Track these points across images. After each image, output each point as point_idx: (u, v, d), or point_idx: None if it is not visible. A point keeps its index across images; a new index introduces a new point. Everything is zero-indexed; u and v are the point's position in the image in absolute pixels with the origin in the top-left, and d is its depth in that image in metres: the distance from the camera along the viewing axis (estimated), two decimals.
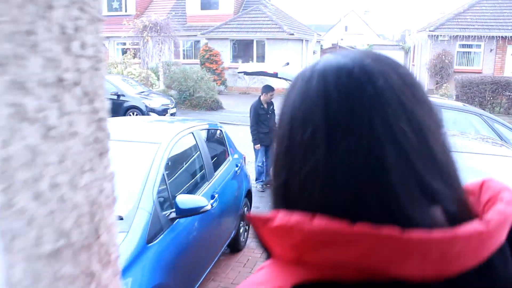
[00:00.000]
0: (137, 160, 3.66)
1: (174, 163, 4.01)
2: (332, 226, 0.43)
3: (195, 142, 4.51)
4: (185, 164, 4.35)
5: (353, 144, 0.47)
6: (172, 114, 15.09)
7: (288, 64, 8.09)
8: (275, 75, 7.62)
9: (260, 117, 7.87)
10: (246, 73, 8.08)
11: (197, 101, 18.05)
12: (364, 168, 0.45)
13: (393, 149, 0.45)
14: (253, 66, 8.07)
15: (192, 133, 4.52)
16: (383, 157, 0.46)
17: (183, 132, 4.32)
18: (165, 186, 3.57)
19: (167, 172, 3.67)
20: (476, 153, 4.02)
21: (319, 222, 0.44)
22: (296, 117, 0.53)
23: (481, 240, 0.41)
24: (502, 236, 0.44)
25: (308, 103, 0.53)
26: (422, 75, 25.44)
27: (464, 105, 7.44)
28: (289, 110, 0.55)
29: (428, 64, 21.89)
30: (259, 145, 7.89)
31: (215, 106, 18.08)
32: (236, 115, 16.79)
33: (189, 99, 18.16)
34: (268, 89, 7.87)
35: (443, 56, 21.51)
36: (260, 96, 7.95)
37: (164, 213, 3.42)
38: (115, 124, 4.56)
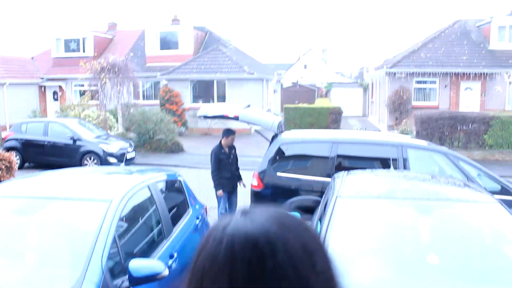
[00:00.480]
0: (84, 222, 3.31)
1: (127, 222, 3.79)
2: None
3: (151, 196, 4.32)
4: (140, 221, 4.14)
5: None
6: (130, 159, 14.64)
7: (250, 106, 7.98)
8: (236, 119, 7.48)
9: (221, 162, 7.80)
10: (206, 117, 7.90)
11: (157, 143, 17.72)
12: None
13: None
14: (213, 109, 7.90)
15: (148, 186, 4.33)
16: None
17: (138, 186, 4.13)
18: (116, 249, 3.27)
19: (119, 232, 3.45)
20: (457, 200, 3.91)
21: None
22: (205, 278, 0.62)
23: None
24: None
25: (216, 269, 0.62)
26: (381, 111, 25.92)
27: (428, 143, 7.44)
28: (200, 270, 0.64)
29: (387, 101, 22.40)
30: (221, 191, 7.77)
31: (176, 149, 17.77)
32: (197, 157, 16.57)
33: (149, 142, 17.79)
34: (228, 132, 7.83)
35: (401, 92, 22.08)
36: (220, 140, 7.86)
37: (116, 282, 3.04)
38: (60, 179, 4.18)
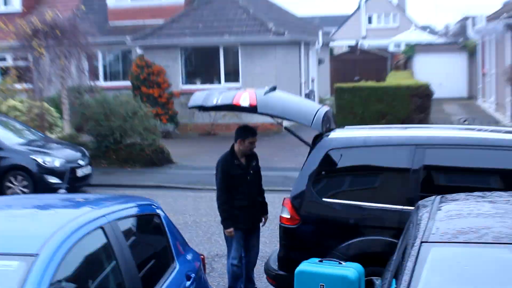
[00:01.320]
0: None
1: None
2: None
3: (107, 244, 4.30)
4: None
5: None
6: (83, 178, 14.71)
7: (275, 89, 7.92)
8: (253, 110, 7.44)
9: (234, 180, 7.84)
10: (203, 109, 7.94)
11: (128, 152, 17.86)
12: None
13: None
14: (215, 95, 7.88)
15: (103, 228, 4.30)
16: None
17: (86, 228, 4.12)
18: None
19: None
20: None
21: None
22: None
23: None
24: None
25: None
26: (500, 90, 25.58)
27: None
28: None
29: (511, 71, 22.01)
30: (232, 229, 7.77)
31: (159, 159, 17.87)
32: (194, 173, 16.58)
33: (114, 150, 17.93)
34: (246, 133, 7.89)
35: None
36: (233, 144, 7.92)
37: None
38: None
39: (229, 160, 7.86)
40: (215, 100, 7.87)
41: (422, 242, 3.98)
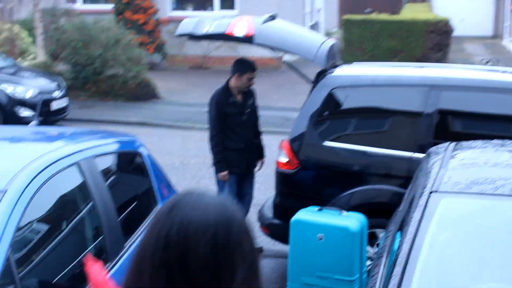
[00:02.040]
0: None
1: (34, 232, 3.89)
2: None
3: (84, 183, 4.35)
4: (62, 230, 4.17)
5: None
6: (59, 111, 14.74)
7: (275, 18, 7.89)
8: (249, 40, 7.42)
9: (228, 119, 7.89)
10: (193, 38, 7.90)
11: (110, 84, 17.86)
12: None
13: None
14: (206, 22, 7.85)
15: (78, 164, 4.33)
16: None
17: (60, 164, 4.13)
18: (13, 285, 3.35)
19: (18, 253, 3.57)
20: None
21: None
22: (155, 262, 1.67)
23: None
24: None
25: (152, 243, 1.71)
26: None
27: None
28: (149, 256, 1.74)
29: None
30: (226, 172, 7.92)
31: (144, 94, 17.90)
32: (183, 110, 16.67)
33: (94, 81, 17.92)
34: (244, 67, 7.89)
35: None
36: (228, 79, 7.95)
37: None
38: None
39: (223, 96, 7.85)
40: (207, 28, 7.83)
41: (431, 192, 4.01)
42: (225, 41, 8.02)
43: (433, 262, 3.60)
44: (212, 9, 23.50)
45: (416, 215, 3.85)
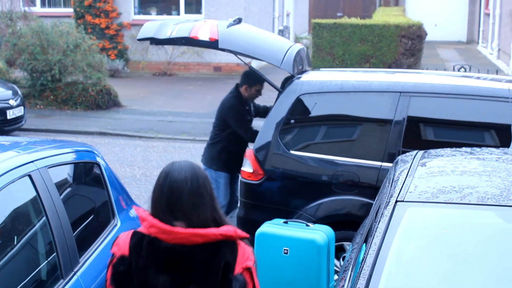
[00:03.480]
0: None
1: None
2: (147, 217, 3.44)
3: (37, 197, 4.33)
4: (13, 245, 4.13)
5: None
6: (14, 120, 14.60)
7: (240, 22, 7.91)
8: (213, 44, 7.44)
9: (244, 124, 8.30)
10: (155, 42, 7.90)
11: (69, 91, 17.76)
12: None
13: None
14: (169, 26, 7.85)
15: (30, 176, 4.32)
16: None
17: (8, 176, 4.11)
18: None
19: None
20: None
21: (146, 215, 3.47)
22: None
23: (190, 235, 3.31)
24: (200, 239, 3.33)
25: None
26: (504, 34, 25.70)
27: None
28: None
29: None
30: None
31: (105, 102, 17.80)
32: (146, 120, 16.63)
33: (52, 88, 17.80)
34: (253, 80, 8.20)
35: None
36: (238, 88, 8.26)
37: None
38: None
39: (241, 105, 8.20)
40: (169, 32, 7.83)
41: (397, 201, 4.04)
42: (189, 45, 7.99)
43: (398, 274, 3.62)
44: (177, 13, 23.47)
45: (381, 226, 3.87)
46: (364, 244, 4.19)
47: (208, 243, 3.34)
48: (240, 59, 8.23)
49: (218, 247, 3.36)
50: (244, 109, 8.22)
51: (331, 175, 6.96)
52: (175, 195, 3.35)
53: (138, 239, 3.41)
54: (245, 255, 3.46)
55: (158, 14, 23.52)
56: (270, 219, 6.49)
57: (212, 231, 3.34)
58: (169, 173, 3.41)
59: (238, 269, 3.40)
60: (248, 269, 3.47)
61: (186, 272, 3.35)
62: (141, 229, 3.45)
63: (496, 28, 27.58)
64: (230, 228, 3.41)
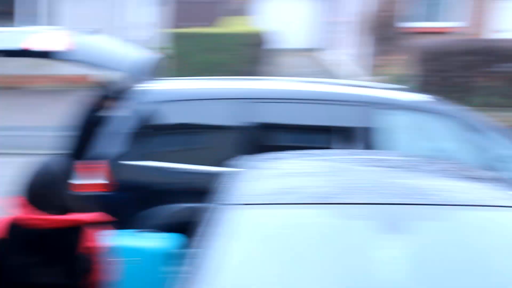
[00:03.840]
0: None
1: None
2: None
3: None
4: None
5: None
6: None
7: (98, 33, 7.85)
8: (49, 55, 7.35)
9: None
10: None
11: None
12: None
13: None
14: (10, 35, 7.69)
15: None
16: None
17: None
18: None
19: None
20: (469, 206, 4.17)
21: None
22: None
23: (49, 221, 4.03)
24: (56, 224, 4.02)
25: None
26: (351, 40, 26.03)
27: (433, 100, 7.85)
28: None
29: (360, 19, 22.49)
30: None
31: None
32: None
33: None
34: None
35: (390, 4, 22.31)
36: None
37: None
38: None
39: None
40: (6, 43, 7.66)
41: (226, 204, 4.05)
42: (22, 57, 7.84)
43: (231, 280, 3.61)
44: (11, 25, 22.74)
45: (209, 231, 3.89)
46: (199, 249, 4.15)
47: (61, 227, 4.02)
48: (89, 70, 8.08)
49: (69, 231, 4.03)
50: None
51: (173, 183, 7.01)
52: (40, 187, 4.02)
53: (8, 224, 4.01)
54: (89, 238, 4.11)
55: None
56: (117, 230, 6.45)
57: (64, 217, 4.01)
58: (35, 171, 4.09)
59: (81, 249, 4.07)
60: (92, 249, 4.12)
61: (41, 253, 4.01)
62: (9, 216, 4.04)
63: (344, 33, 28.00)
64: (79, 215, 4.09)
